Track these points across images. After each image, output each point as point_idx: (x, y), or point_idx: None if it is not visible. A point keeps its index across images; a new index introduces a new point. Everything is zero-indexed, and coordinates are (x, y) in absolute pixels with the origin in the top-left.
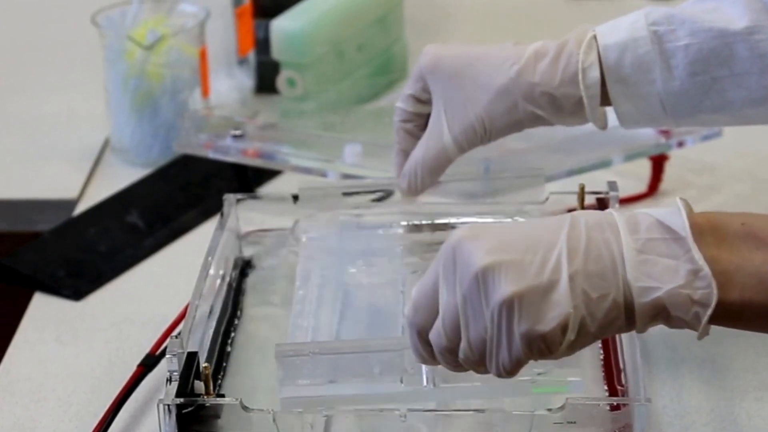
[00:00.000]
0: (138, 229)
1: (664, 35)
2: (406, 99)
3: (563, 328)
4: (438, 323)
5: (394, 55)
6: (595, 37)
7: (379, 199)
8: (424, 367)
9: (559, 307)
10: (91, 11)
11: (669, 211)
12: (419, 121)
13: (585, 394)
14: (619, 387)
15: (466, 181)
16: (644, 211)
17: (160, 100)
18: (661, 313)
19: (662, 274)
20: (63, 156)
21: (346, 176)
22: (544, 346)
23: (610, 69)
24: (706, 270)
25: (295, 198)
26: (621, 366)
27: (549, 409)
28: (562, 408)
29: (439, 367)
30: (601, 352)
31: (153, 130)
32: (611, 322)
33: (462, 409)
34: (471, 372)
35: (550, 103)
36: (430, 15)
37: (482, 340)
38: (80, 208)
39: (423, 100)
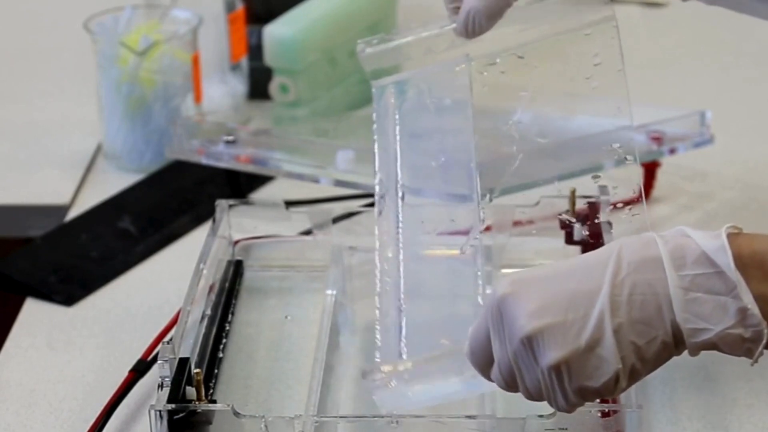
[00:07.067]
0: (130, 234)
1: None
2: None
3: (615, 380)
4: (495, 369)
5: None
6: None
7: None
8: None
9: (607, 364)
10: (84, 17)
11: (715, 244)
12: None
13: None
14: None
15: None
16: (690, 233)
17: (153, 106)
18: (713, 346)
19: (711, 315)
20: (55, 162)
21: (339, 183)
22: (598, 395)
23: None
24: (755, 311)
25: (288, 204)
26: None
27: (540, 416)
28: (553, 414)
29: None
30: None
31: (145, 136)
32: (662, 358)
33: (453, 416)
34: None
35: None
36: (423, 21)
37: (538, 388)
38: (72, 214)
39: None
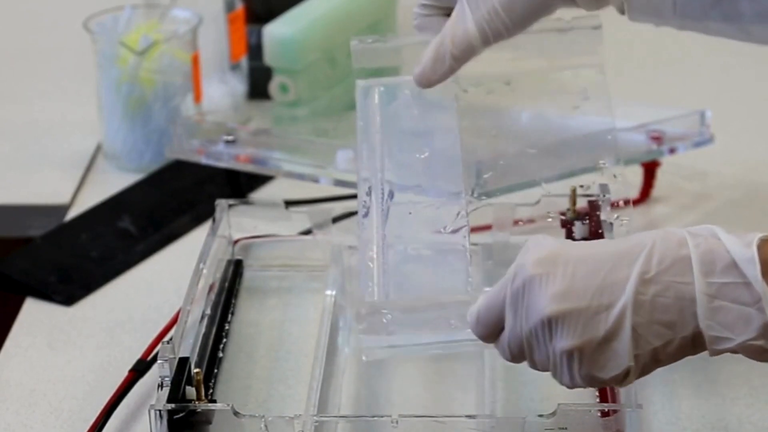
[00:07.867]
0: (130, 234)
1: None
2: None
3: (624, 374)
4: (503, 340)
5: None
6: None
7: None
8: None
9: (620, 359)
10: (84, 17)
11: (746, 254)
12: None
13: (576, 399)
14: (610, 392)
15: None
16: (721, 236)
17: (153, 105)
18: (733, 352)
19: (735, 325)
20: (55, 161)
21: (339, 182)
22: (605, 384)
23: None
24: None
25: (288, 204)
26: None
27: (540, 415)
28: (553, 414)
29: None
30: None
31: (145, 136)
32: (677, 358)
33: (453, 415)
34: None
35: None
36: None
37: (546, 364)
38: (72, 214)
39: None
